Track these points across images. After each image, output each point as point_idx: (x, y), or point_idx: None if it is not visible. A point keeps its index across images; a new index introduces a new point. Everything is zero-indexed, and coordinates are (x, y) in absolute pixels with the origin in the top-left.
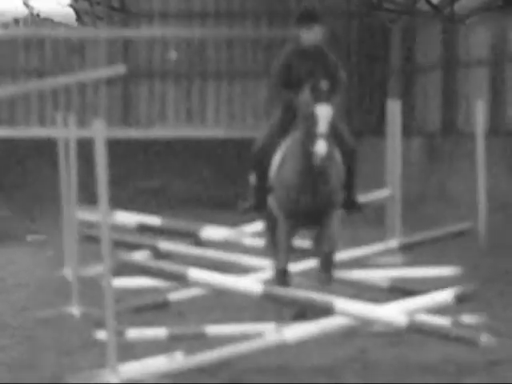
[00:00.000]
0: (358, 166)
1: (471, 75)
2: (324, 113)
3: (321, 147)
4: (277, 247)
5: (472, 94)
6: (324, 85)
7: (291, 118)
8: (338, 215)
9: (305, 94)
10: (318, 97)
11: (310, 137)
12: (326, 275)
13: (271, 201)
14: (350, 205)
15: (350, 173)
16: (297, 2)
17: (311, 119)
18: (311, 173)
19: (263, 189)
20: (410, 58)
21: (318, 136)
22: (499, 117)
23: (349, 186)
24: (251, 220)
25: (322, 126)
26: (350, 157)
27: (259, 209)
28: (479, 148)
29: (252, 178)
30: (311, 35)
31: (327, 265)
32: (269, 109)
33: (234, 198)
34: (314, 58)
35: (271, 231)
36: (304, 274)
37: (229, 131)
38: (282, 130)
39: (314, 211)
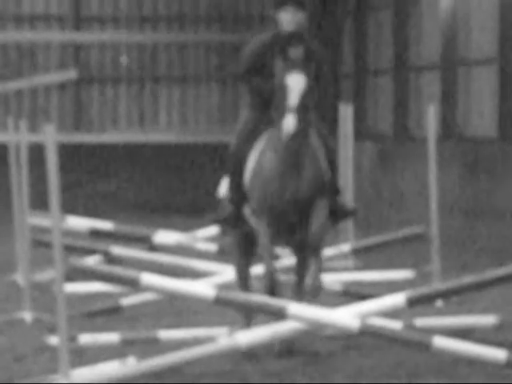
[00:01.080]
0: None
1: (423, 79)
2: (295, 83)
3: (289, 122)
4: (262, 252)
5: (424, 98)
6: (296, 52)
7: (261, 117)
8: (323, 208)
9: (278, 66)
10: (290, 65)
11: (281, 111)
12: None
13: (247, 211)
14: (338, 212)
15: (334, 176)
16: (247, 7)
17: (282, 91)
18: (286, 161)
19: (240, 197)
20: (362, 62)
21: (288, 110)
22: (451, 121)
23: (332, 190)
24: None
25: (293, 98)
26: (332, 158)
27: (234, 221)
28: (431, 152)
29: (224, 188)
30: (292, 18)
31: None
32: (223, 112)
33: (187, 203)
34: (296, 46)
35: (243, 246)
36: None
37: (181, 135)
38: (253, 132)
39: (295, 204)
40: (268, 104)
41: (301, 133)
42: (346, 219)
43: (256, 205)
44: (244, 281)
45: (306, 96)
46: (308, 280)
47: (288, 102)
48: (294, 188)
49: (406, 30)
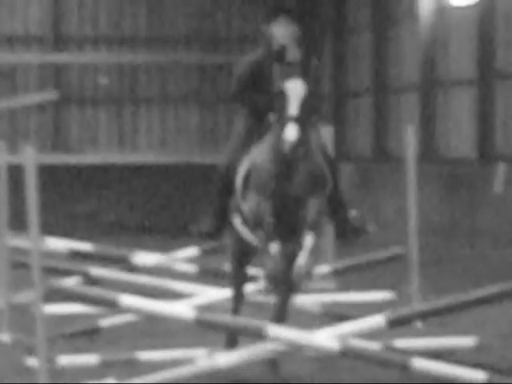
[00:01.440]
0: None
1: (402, 100)
2: (295, 90)
3: (291, 132)
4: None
5: (403, 120)
6: (293, 55)
7: (257, 126)
8: (319, 201)
9: (276, 72)
10: (288, 70)
11: (281, 120)
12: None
13: (237, 220)
14: (344, 229)
15: (335, 188)
16: (227, 28)
17: (281, 99)
18: (282, 165)
19: (226, 208)
20: (341, 83)
21: (288, 119)
22: (430, 142)
23: (336, 204)
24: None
25: (293, 106)
26: (333, 169)
27: (219, 232)
28: (410, 173)
29: (214, 198)
30: (285, 32)
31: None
32: (203, 133)
33: (167, 224)
34: (293, 49)
35: (238, 255)
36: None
37: (161, 156)
38: (246, 141)
39: (291, 202)
40: (264, 116)
41: (301, 141)
42: (357, 237)
43: (253, 206)
44: (238, 296)
45: (305, 102)
46: (300, 261)
47: (288, 111)
48: (290, 189)
49: (385, 52)
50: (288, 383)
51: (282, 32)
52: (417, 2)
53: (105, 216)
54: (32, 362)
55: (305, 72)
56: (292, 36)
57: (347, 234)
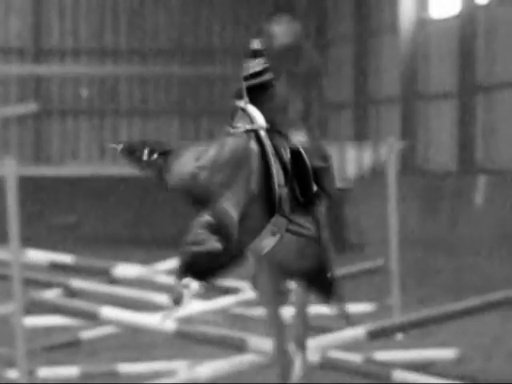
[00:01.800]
0: None
1: (383, 113)
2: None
3: None
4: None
5: (384, 132)
6: (296, 109)
7: None
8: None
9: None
10: (289, 124)
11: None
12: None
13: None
14: (343, 246)
15: (337, 207)
16: (207, 40)
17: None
18: None
19: None
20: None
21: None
22: (411, 155)
23: (336, 221)
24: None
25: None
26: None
27: None
28: (391, 185)
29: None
30: (287, 29)
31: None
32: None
33: (148, 236)
34: (292, 60)
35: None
36: (218, 311)
37: None
38: None
39: None
40: None
41: None
42: (344, 251)
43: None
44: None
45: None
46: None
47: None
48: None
49: (365, 65)
50: None
51: (282, 31)
52: (398, 15)
53: (85, 228)
54: (12, 374)
55: (307, 124)
56: (294, 35)
57: (345, 250)
